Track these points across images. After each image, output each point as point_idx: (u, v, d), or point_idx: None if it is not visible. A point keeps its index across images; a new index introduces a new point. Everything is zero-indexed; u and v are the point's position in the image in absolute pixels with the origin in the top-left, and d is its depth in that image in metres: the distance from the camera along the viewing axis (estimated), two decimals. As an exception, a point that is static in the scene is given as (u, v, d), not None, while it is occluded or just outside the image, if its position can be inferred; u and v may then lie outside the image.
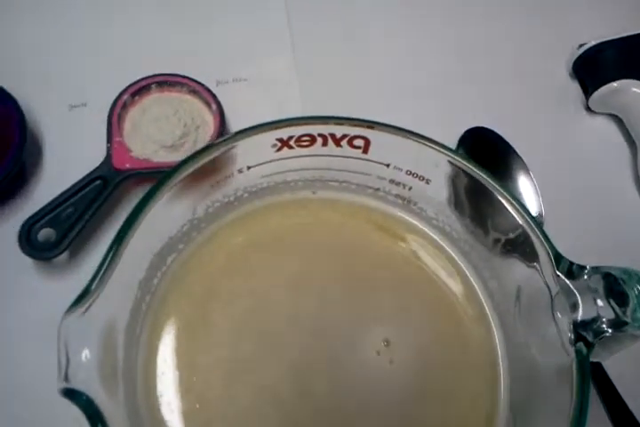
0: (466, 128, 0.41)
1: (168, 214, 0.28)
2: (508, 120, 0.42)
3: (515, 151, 0.41)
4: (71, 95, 0.41)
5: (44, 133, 0.40)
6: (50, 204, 0.35)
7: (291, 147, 0.30)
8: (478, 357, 0.30)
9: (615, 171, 0.43)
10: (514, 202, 0.28)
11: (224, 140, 0.29)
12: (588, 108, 0.45)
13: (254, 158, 0.30)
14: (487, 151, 0.41)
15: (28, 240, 0.34)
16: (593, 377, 0.35)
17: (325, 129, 0.29)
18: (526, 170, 0.40)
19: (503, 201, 0.29)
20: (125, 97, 0.39)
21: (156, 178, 0.35)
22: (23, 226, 0.34)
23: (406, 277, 0.32)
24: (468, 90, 0.44)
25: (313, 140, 0.30)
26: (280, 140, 0.29)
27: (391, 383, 0.29)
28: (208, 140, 0.39)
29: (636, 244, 0.40)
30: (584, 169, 0.43)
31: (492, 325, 0.31)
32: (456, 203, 0.32)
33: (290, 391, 0.29)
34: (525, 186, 0.40)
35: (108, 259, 0.25)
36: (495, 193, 0.29)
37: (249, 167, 0.30)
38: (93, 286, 0.24)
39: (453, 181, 0.31)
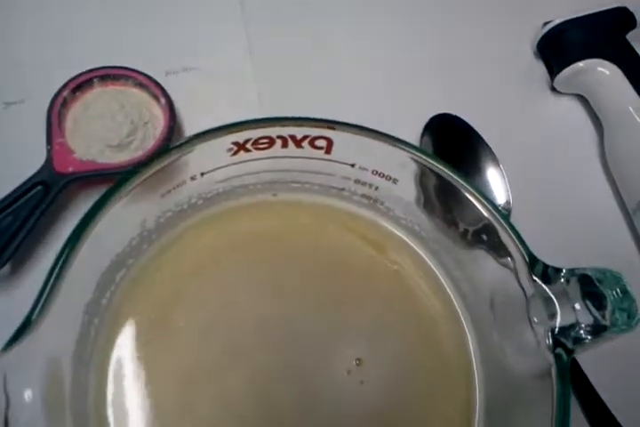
0: (431, 115, 0.40)
1: (114, 229, 0.26)
2: (473, 105, 0.41)
3: (480, 137, 0.39)
4: (7, 91, 0.38)
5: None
6: (-14, 213, 0.32)
7: (248, 150, 0.28)
8: (452, 363, 0.29)
9: (582, 152, 0.42)
10: (483, 200, 0.27)
11: (179, 146, 0.26)
12: (554, 89, 0.43)
13: (208, 164, 0.28)
14: (453, 138, 0.40)
15: (-38, 257, 0.32)
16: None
17: (284, 131, 0.27)
18: (493, 156, 0.39)
19: (472, 199, 0.27)
20: (65, 93, 0.36)
21: (103, 181, 0.33)
22: (-41, 240, 0.32)
23: (375, 280, 0.31)
24: (432, 76, 0.42)
25: (272, 142, 0.28)
26: (236, 143, 0.27)
27: (361, 401, 0.28)
28: (158, 137, 0.36)
29: (604, 229, 0.40)
30: (551, 151, 0.42)
31: (466, 327, 0.30)
32: (425, 202, 0.30)
33: (251, 406, 0.28)
34: (492, 173, 0.38)
35: (49, 285, 0.23)
36: (463, 191, 0.27)
37: (202, 174, 0.28)
38: (33, 318, 0.22)
39: (421, 179, 0.29)
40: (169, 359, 0.28)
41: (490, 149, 0.39)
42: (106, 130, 0.35)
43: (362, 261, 0.31)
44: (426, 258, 0.32)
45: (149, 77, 0.37)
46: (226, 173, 0.29)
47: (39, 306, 0.22)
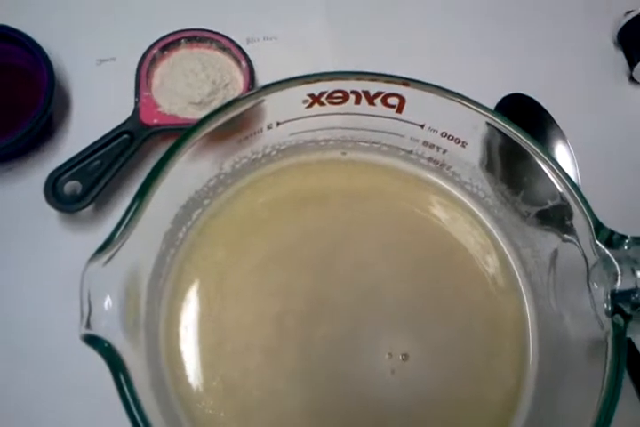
0: (503, 95, 0.40)
1: (194, 168, 0.28)
2: (548, 89, 0.41)
3: (553, 119, 0.39)
4: (100, 50, 0.41)
5: (71, 87, 0.39)
6: (76, 157, 0.35)
7: (322, 103, 0.29)
8: (508, 328, 0.30)
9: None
10: (554, 166, 0.27)
11: (252, 94, 0.28)
12: (632, 79, 0.43)
13: (284, 114, 0.29)
14: (524, 118, 0.40)
15: (53, 192, 0.34)
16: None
17: (359, 85, 0.28)
18: (564, 140, 0.39)
19: (543, 166, 0.27)
20: (154, 51, 0.38)
21: (184, 134, 0.35)
22: (49, 178, 0.34)
23: (437, 246, 0.31)
24: (508, 56, 0.42)
25: (345, 96, 0.29)
26: (311, 95, 0.28)
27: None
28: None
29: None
30: (625, 142, 0.41)
31: (524, 294, 0.30)
32: (491, 167, 0.30)
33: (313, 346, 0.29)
34: (563, 156, 0.38)
35: (133, 209, 0.24)
36: (535, 157, 0.28)
37: (278, 123, 0.30)
38: (117, 235, 0.24)
39: (490, 143, 0.29)
40: (236, 306, 0.29)
41: (561, 132, 0.39)
42: (189, 88, 0.37)
43: (425, 227, 0.32)
44: (489, 225, 0.32)
45: (233, 42, 0.39)
46: (300, 126, 0.30)
47: (122, 226, 0.24)
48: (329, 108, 0.29)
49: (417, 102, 0.29)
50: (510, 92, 0.40)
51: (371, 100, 0.29)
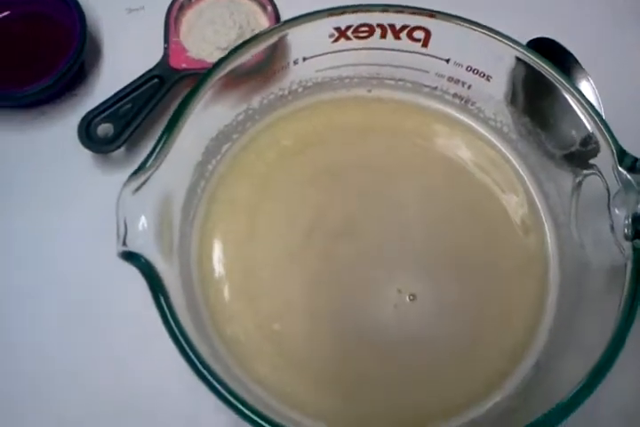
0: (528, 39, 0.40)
1: (223, 103, 0.29)
2: (577, 36, 0.40)
3: (578, 62, 0.39)
4: (130, -1, 0.41)
5: (102, 37, 0.40)
6: (109, 100, 0.36)
7: (348, 38, 0.29)
8: (530, 263, 0.30)
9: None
10: (578, 96, 0.28)
11: (275, 28, 0.28)
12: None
13: (310, 49, 0.30)
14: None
15: (87, 134, 0.35)
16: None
17: (384, 18, 0.29)
18: (589, 81, 0.39)
19: (567, 96, 0.28)
20: (182, -1, 0.39)
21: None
22: (83, 121, 0.35)
23: (461, 181, 0.32)
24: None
25: (371, 30, 0.29)
26: (338, 29, 0.29)
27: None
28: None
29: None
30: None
31: (546, 226, 0.31)
32: (514, 100, 0.31)
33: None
34: (587, 96, 0.38)
35: (163, 140, 0.25)
36: (560, 87, 0.28)
37: (305, 58, 0.30)
38: (150, 162, 0.25)
39: (515, 77, 0.30)
40: (266, 235, 0.30)
41: (587, 74, 0.39)
42: (216, 34, 0.38)
43: (446, 160, 0.32)
44: (513, 160, 0.32)
45: (259, -12, 0.39)
46: (326, 62, 0.31)
47: (155, 154, 0.25)
48: (355, 42, 0.30)
49: (442, 36, 0.29)
50: (537, 36, 0.40)
51: (397, 34, 0.29)
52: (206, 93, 0.27)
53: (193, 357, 0.23)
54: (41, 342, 0.33)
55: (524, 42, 0.39)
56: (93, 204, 0.34)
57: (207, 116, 0.28)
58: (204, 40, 0.38)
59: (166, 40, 0.38)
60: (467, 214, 0.31)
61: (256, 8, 0.40)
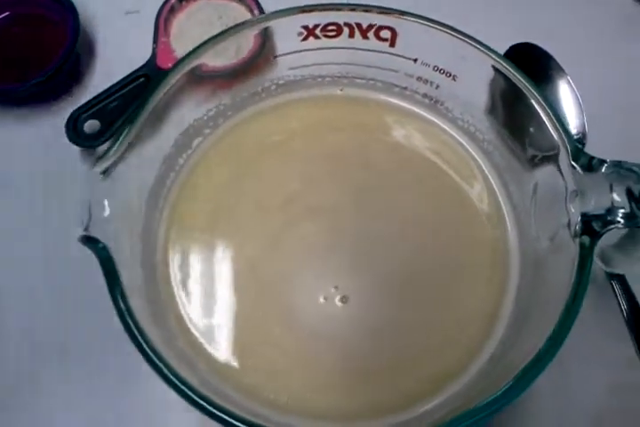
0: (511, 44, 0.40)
1: (192, 95, 0.30)
2: (560, 41, 0.40)
3: (561, 68, 0.40)
4: (127, 3, 0.43)
5: (98, 38, 0.42)
6: (96, 97, 0.38)
7: (317, 37, 0.30)
8: (490, 252, 0.31)
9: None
10: (536, 95, 0.28)
11: (242, 25, 0.29)
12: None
13: (281, 47, 0.31)
14: (531, 68, 0.40)
15: (74, 130, 0.37)
16: (617, 293, 0.35)
17: (352, 17, 0.29)
18: (571, 87, 0.39)
19: (526, 93, 0.28)
20: (173, 1, 0.40)
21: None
22: (70, 116, 0.37)
23: (427, 178, 0.32)
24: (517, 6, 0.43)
25: (339, 29, 0.30)
26: (305, 27, 0.30)
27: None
28: (251, 48, 0.39)
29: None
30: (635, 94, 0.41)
31: (507, 222, 0.31)
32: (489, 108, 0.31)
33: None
34: (569, 102, 0.39)
35: (129, 126, 0.26)
36: (518, 84, 0.28)
37: (275, 57, 0.31)
38: (111, 152, 0.26)
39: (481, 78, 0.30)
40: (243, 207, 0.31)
41: (569, 80, 0.39)
42: (205, 35, 0.39)
43: (417, 158, 0.33)
44: (479, 160, 0.33)
45: (248, -8, 0.41)
46: (297, 61, 0.32)
47: (120, 140, 0.26)
48: (324, 41, 0.31)
49: (409, 36, 0.30)
50: (518, 41, 0.40)
51: (364, 34, 0.30)
52: (170, 88, 0.28)
53: (145, 346, 0.23)
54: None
55: (507, 47, 0.40)
56: (76, 195, 0.35)
57: (175, 109, 0.29)
58: (192, 42, 0.39)
59: (155, 40, 0.39)
60: (433, 210, 0.32)
61: (245, 12, 0.41)
